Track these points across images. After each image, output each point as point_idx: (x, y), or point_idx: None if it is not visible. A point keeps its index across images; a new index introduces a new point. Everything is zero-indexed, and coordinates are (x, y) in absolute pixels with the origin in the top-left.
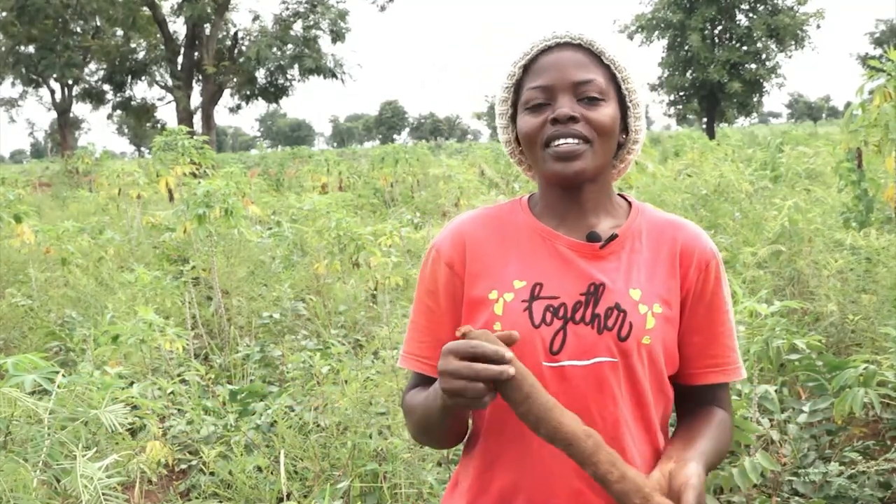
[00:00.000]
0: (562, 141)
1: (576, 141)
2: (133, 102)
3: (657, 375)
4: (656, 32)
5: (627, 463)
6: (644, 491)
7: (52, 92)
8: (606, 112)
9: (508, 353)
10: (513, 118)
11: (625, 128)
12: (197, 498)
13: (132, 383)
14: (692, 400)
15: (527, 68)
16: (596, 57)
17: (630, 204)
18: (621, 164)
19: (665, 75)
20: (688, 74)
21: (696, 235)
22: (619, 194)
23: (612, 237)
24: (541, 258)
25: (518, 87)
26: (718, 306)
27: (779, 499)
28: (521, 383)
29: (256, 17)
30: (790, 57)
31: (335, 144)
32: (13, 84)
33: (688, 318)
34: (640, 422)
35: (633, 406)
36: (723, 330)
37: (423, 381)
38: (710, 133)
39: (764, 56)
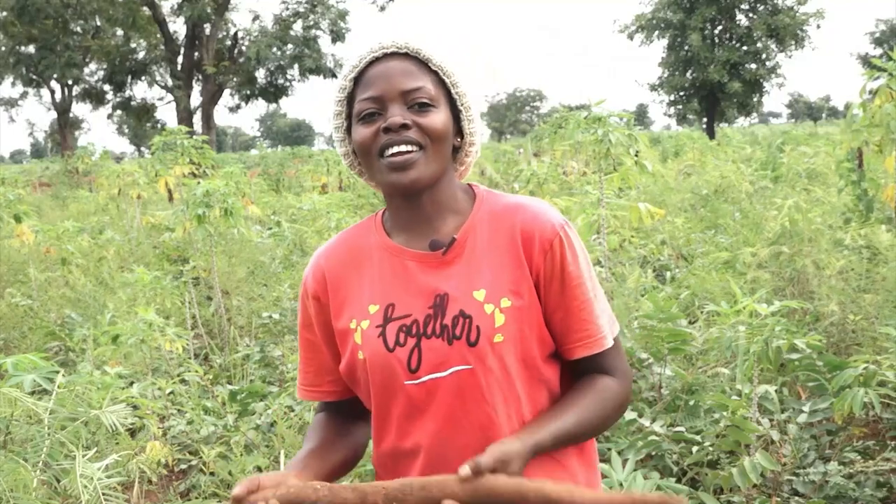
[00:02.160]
0: (395, 149)
1: (409, 147)
2: (133, 102)
3: (528, 365)
4: (656, 32)
5: None
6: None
7: (52, 92)
8: (438, 117)
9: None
10: (348, 130)
11: (460, 132)
12: (197, 498)
13: (132, 383)
14: (578, 373)
15: (357, 80)
16: (423, 64)
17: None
18: (461, 167)
19: (665, 75)
20: (688, 74)
21: (534, 216)
22: (469, 185)
23: (452, 241)
24: (390, 277)
25: (350, 99)
26: (569, 282)
27: (779, 499)
28: None
29: (256, 17)
30: (790, 57)
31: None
32: (13, 84)
33: (545, 299)
34: (517, 417)
35: (505, 405)
36: (578, 304)
37: (325, 403)
38: (710, 133)
39: (764, 56)
